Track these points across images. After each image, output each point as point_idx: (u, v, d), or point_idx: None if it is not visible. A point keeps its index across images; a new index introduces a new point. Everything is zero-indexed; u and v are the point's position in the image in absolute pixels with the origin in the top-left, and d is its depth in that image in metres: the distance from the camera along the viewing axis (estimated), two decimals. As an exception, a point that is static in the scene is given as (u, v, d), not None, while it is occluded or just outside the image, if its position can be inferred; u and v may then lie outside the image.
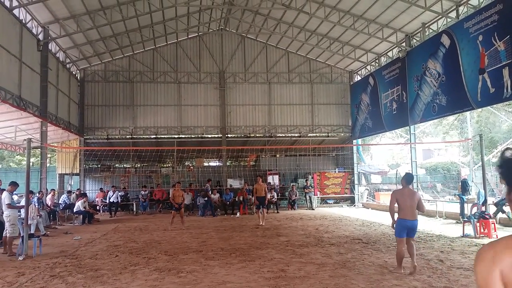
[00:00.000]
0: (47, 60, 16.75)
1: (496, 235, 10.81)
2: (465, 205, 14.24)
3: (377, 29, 19.19)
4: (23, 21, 14.87)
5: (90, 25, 17.98)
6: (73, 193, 19.39)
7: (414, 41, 18.66)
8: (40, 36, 16.47)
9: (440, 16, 16.59)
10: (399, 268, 7.17)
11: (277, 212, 20.34)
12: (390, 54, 20.96)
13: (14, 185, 10.30)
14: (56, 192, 18.61)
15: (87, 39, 19.62)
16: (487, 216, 11.21)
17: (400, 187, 7.78)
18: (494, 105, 18.60)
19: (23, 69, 14.67)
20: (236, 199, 20.53)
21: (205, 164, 26.28)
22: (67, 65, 20.53)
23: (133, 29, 20.34)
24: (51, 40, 17.38)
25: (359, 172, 24.91)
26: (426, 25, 17.62)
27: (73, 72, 21.79)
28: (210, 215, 19.24)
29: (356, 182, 24.29)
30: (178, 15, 20.84)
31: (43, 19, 16.42)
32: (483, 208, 11.87)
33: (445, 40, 15.57)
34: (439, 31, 16.48)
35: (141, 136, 23.50)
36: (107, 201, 20.69)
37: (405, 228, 7.12)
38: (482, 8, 13.69)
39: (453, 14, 15.88)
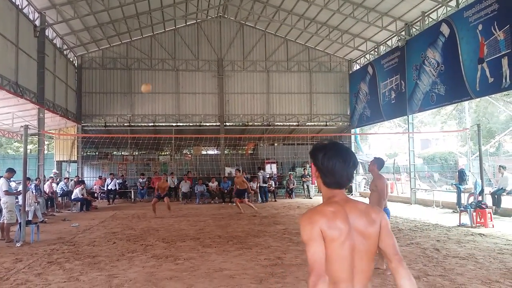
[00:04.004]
0: (44, 46, 16.60)
1: (493, 225, 10.88)
2: (462, 194, 14.29)
3: (377, 18, 19.06)
4: (20, 7, 14.71)
5: (87, 11, 17.81)
6: (71, 180, 19.42)
7: (414, 30, 18.54)
8: (37, 22, 16.30)
9: (440, 5, 16.48)
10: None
11: (275, 201, 20.41)
12: (389, 43, 20.85)
13: (11, 171, 10.30)
14: (54, 179, 18.61)
15: (84, 25, 19.45)
16: (483, 206, 11.27)
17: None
18: (493, 95, 18.55)
19: (20, 55, 14.56)
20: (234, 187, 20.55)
21: (203, 152, 26.27)
22: (64, 52, 20.38)
23: (131, 16, 20.15)
24: (48, 26, 17.22)
25: (357, 161, 24.90)
26: (425, 14, 17.50)
27: (71, 59, 21.63)
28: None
29: (353, 171, 24.29)
30: (176, 2, 20.64)
31: (39, 4, 16.24)
32: (480, 198, 11.92)
33: (445, 29, 15.47)
34: (439, 20, 16.38)
35: (139, 124, 23.44)
36: (105, 189, 20.72)
37: None
38: (483, -3, 13.58)
39: (453, 3, 15.77)
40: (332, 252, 1.87)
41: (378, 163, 6.65)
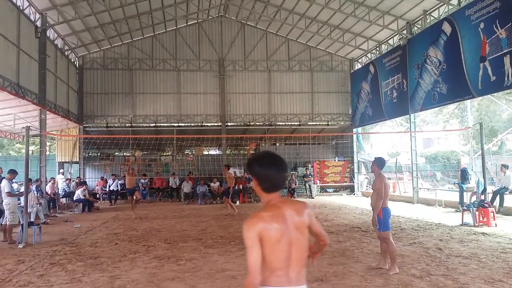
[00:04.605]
0: (45, 47, 16.59)
1: (495, 224, 10.84)
2: (465, 193, 14.25)
3: (378, 16, 19.01)
4: (21, 7, 14.70)
5: (88, 12, 17.79)
6: (73, 181, 19.42)
7: (415, 28, 18.50)
8: (38, 23, 16.29)
9: (441, 3, 16.42)
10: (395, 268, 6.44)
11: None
12: (391, 41, 20.80)
13: (13, 173, 10.29)
14: (56, 180, 18.61)
15: (85, 26, 19.44)
16: (486, 205, 11.23)
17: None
18: (495, 94, 18.51)
19: (21, 56, 14.56)
20: (236, 188, 20.50)
21: (205, 152, 26.27)
22: (66, 53, 20.38)
23: (132, 16, 20.14)
24: (49, 27, 17.21)
25: (359, 161, 24.91)
26: (427, 13, 17.45)
27: (72, 60, 21.64)
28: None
29: (355, 170, 24.31)
30: (177, 2, 20.61)
31: (41, 5, 16.23)
32: (482, 197, 11.88)
33: (446, 28, 15.43)
34: (440, 18, 16.33)
35: (140, 124, 23.43)
36: (107, 189, 20.73)
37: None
38: (484, -5, 13.53)
39: (454, 1, 15.72)
40: (272, 248, 2.25)
41: (378, 162, 6.66)
